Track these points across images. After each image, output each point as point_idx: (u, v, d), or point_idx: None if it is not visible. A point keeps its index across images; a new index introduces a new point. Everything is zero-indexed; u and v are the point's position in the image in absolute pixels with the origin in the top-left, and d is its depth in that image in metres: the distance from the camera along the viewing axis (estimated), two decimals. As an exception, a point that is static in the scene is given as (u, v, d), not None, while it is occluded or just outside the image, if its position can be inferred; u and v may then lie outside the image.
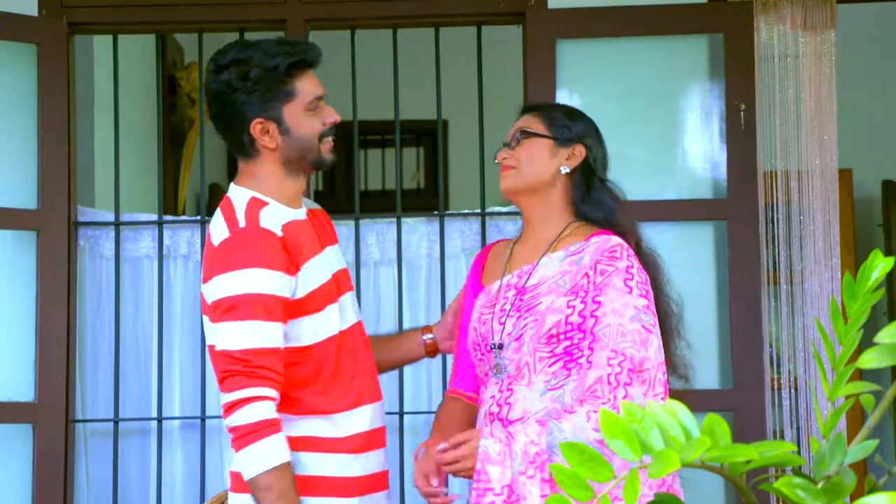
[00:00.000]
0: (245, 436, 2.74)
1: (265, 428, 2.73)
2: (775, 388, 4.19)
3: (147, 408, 4.40)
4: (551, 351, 2.83)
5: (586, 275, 2.85)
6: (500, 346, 2.88)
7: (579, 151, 2.97)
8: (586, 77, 4.32)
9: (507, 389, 2.85)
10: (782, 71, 4.27)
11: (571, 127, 2.98)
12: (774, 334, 4.23)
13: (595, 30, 4.30)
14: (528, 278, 2.91)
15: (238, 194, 2.93)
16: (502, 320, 2.90)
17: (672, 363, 2.92)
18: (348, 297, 2.99)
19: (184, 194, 6.01)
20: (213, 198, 6.50)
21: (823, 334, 1.46)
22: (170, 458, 4.36)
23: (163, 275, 4.39)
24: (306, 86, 2.92)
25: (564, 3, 4.30)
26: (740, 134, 4.21)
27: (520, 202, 3.02)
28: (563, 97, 4.26)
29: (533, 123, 3.00)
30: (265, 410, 2.74)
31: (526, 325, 2.86)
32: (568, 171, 2.95)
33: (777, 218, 4.23)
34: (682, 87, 4.31)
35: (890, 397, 1.33)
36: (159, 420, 4.31)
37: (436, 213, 4.35)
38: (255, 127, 2.89)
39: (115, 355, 4.32)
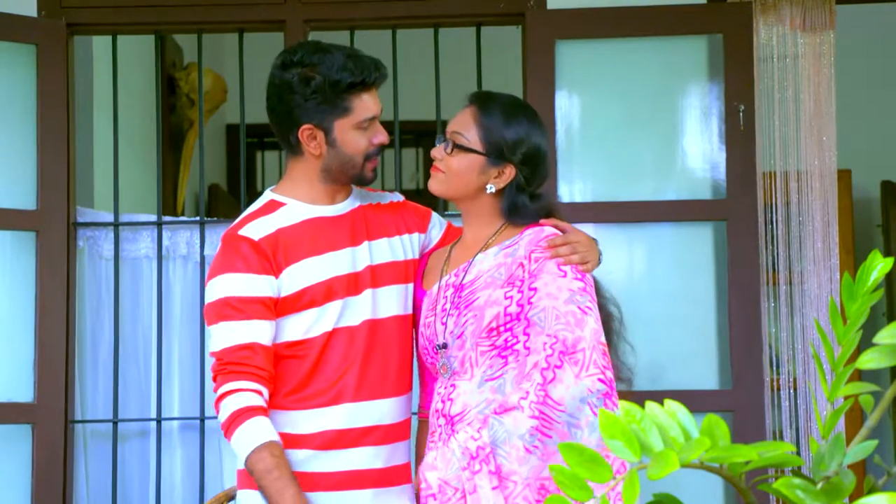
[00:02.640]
0: (226, 430, 2.87)
1: (237, 417, 2.84)
2: (775, 388, 4.19)
3: (146, 408, 4.40)
4: (492, 344, 2.84)
5: (521, 265, 2.85)
6: (445, 346, 2.90)
7: (508, 172, 2.92)
8: (585, 78, 4.32)
9: (451, 385, 2.87)
10: (781, 72, 4.27)
11: (505, 141, 2.91)
12: (774, 335, 4.23)
13: (594, 30, 4.30)
14: (464, 275, 2.92)
15: (261, 197, 3.06)
16: (444, 320, 2.91)
17: (615, 366, 2.91)
18: (366, 295, 2.99)
19: (183, 195, 6.01)
20: (212, 199, 6.50)
21: (822, 335, 1.46)
22: (169, 458, 4.36)
23: (162, 275, 4.39)
24: (363, 104, 2.96)
25: (564, 4, 4.30)
26: (739, 134, 4.20)
27: (455, 203, 3.04)
28: (562, 98, 4.26)
29: (469, 130, 2.93)
30: (238, 401, 2.85)
31: (466, 321, 2.87)
32: (494, 190, 2.93)
33: (776, 218, 4.24)
34: (681, 88, 4.31)
35: (889, 398, 1.33)
36: (158, 421, 4.31)
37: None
38: (304, 132, 2.95)
39: (115, 356, 4.32)
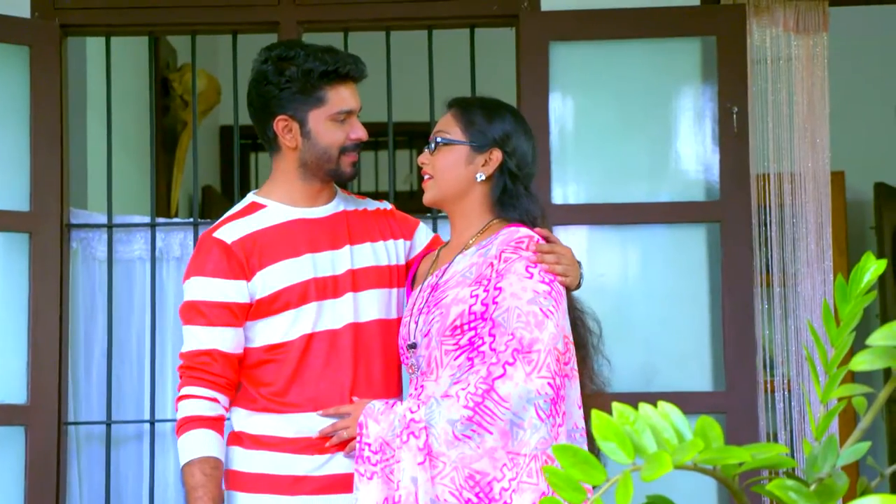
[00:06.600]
0: (176, 433, 2.96)
1: (184, 425, 2.93)
2: (768, 390, 4.19)
3: (140, 410, 4.39)
4: (456, 343, 2.83)
5: (491, 264, 2.84)
6: (414, 346, 2.90)
7: (496, 157, 2.92)
8: (579, 79, 4.32)
9: (420, 386, 2.87)
10: (775, 74, 4.28)
11: (489, 130, 2.93)
12: (767, 337, 4.24)
13: (588, 32, 4.31)
14: (442, 275, 2.92)
15: (244, 199, 3.08)
16: (417, 319, 2.92)
17: (590, 378, 2.90)
18: (347, 299, 2.99)
19: (176, 196, 6.00)
20: (206, 200, 6.50)
21: (816, 337, 1.46)
22: (163, 460, 4.35)
23: (155, 277, 4.39)
24: (338, 96, 2.99)
25: (557, 6, 4.30)
26: (733, 136, 4.21)
27: (443, 207, 3.03)
28: (555, 100, 4.27)
29: (450, 127, 2.95)
30: (190, 407, 2.93)
31: (433, 319, 2.86)
32: (483, 178, 2.92)
33: (770, 220, 4.24)
34: (674, 90, 4.32)
35: (882, 400, 1.33)
36: (152, 423, 4.30)
37: (429, 214, 4.35)
38: (279, 123, 2.99)
39: (108, 357, 4.32)
